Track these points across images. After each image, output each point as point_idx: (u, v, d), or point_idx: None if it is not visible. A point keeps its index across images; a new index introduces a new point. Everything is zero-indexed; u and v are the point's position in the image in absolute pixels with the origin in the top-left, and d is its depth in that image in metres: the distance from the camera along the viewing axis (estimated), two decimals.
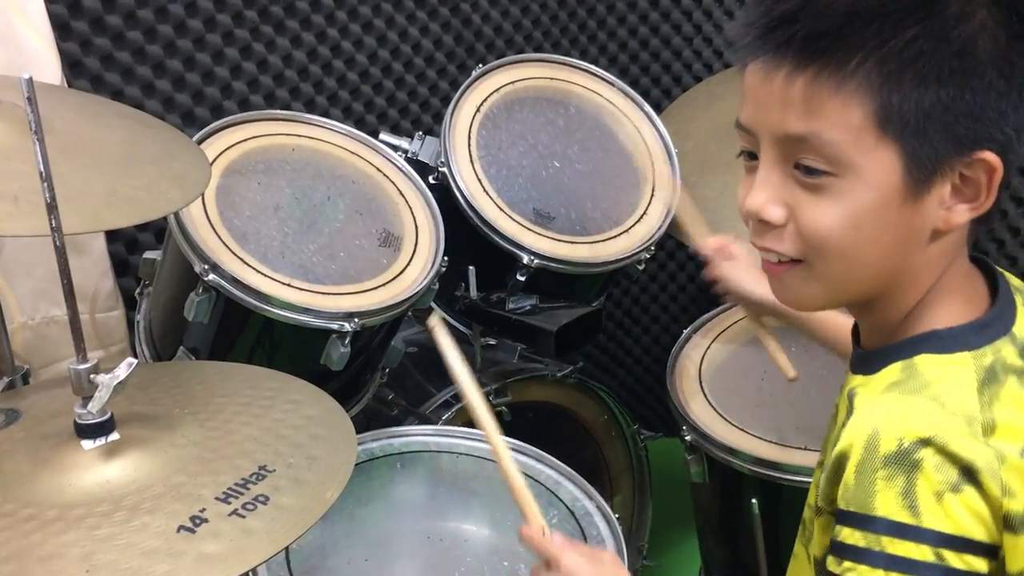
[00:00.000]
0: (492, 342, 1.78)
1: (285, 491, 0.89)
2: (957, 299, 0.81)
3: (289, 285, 1.35)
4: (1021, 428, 0.72)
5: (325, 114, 1.85)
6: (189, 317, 1.33)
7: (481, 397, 0.95)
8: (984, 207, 0.77)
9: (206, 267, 1.31)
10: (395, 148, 1.64)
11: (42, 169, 0.83)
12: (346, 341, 1.36)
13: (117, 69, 1.65)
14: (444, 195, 1.59)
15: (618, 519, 1.30)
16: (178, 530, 0.83)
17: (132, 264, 1.72)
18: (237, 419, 1.01)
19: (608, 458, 1.83)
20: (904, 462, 0.71)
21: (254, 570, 0.94)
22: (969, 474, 0.71)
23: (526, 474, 1.39)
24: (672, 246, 2.36)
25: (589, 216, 1.69)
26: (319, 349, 1.37)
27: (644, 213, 1.71)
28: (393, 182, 1.57)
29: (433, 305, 1.60)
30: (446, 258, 1.50)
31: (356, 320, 1.36)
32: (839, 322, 1.15)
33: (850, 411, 0.79)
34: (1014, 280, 0.86)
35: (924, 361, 0.77)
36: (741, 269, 1.29)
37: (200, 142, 1.42)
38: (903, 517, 0.71)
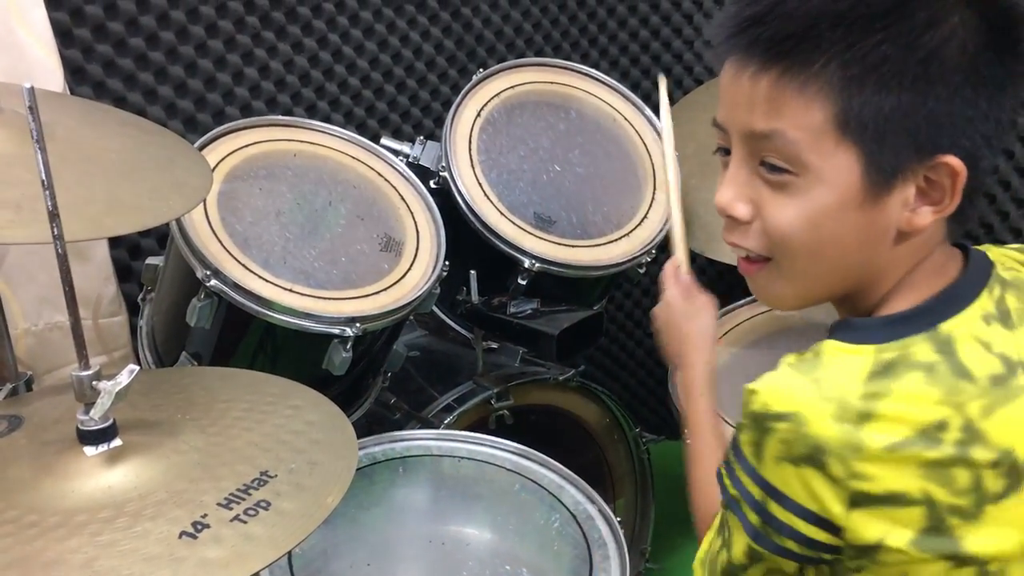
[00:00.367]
0: (494, 346, 1.78)
1: (286, 496, 0.90)
2: (912, 294, 0.82)
3: (291, 290, 1.36)
4: (905, 421, 0.73)
5: (327, 119, 1.86)
6: (191, 322, 1.34)
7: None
8: (948, 210, 0.78)
9: (208, 273, 1.31)
10: (396, 153, 1.64)
11: (44, 178, 0.83)
12: (348, 346, 1.36)
13: (119, 76, 1.66)
14: (445, 199, 1.59)
15: (620, 523, 1.30)
16: (180, 536, 0.83)
17: (135, 269, 1.72)
18: (239, 424, 1.01)
19: (611, 461, 1.83)
20: (760, 425, 0.77)
21: (256, 575, 0.94)
22: (815, 455, 0.74)
23: (529, 479, 1.40)
24: None
25: (590, 220, 1.70)
26: (321, 354, 1.38)
27: (645, 216, 1.72)
28: (394, 187, 1.57)
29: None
30: (447, 262, 1.50)
31: (358, 325, 1.36)
32: None
33: None
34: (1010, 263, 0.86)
35: (829, 346, 0.79)
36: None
37: (202, 148, 1.42)
38: (750, 458, 0.79)
